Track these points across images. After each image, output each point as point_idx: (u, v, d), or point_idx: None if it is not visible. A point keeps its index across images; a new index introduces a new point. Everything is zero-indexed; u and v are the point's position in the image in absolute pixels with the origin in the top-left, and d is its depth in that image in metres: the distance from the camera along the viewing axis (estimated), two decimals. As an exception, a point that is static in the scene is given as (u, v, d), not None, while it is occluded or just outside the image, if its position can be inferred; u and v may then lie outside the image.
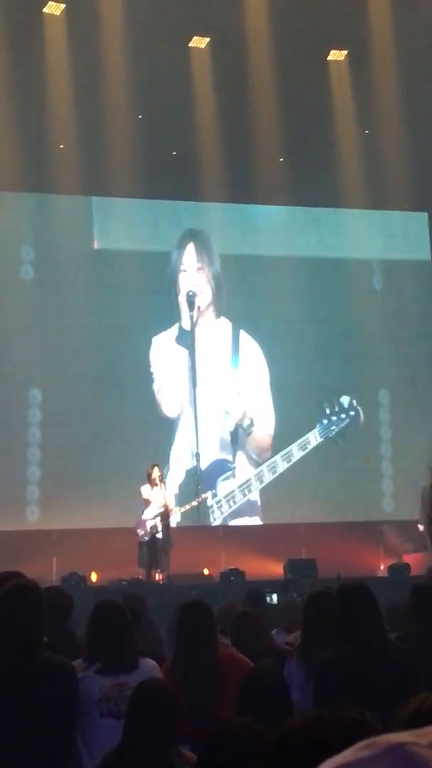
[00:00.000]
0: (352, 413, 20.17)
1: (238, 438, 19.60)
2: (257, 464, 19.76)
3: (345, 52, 20.08)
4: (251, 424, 19.68)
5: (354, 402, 20.18)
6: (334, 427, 20.05)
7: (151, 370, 19.55)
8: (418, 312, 21.15)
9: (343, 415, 20.12)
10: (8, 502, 18.66)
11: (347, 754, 0.86)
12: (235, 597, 10.78)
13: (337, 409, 20.10)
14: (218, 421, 19.52)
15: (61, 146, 18.99)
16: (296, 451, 19.83)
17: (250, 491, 19.59)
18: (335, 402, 20.12)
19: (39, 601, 4.82)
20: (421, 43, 19.01)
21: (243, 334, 20.16)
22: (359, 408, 20.21)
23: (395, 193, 20.45)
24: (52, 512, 18.55)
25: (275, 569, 16.43)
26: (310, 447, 19.89)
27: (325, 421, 20.04)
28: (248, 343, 20.15)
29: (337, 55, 20.13)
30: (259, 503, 19.62)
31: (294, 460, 19.76)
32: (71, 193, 19.51)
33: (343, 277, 20.94)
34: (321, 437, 20.00)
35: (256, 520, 19.62)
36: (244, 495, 19.53)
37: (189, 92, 19.37)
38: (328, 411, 20.04)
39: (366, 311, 20.80)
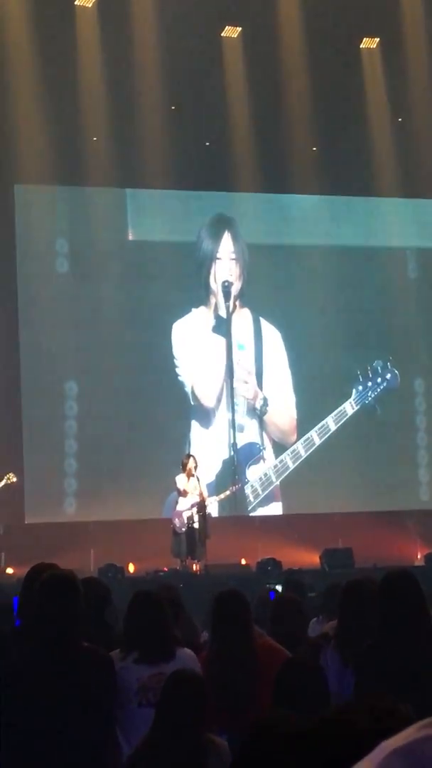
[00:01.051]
0: (388, 376, 19.87)
1: (260, 421, 19.55)
2: (282, 448, 19.69)
3: (377, 40, 20.00)
4: (265, 404, 19.57)
5: (389, 364, 19.97)
6: (370, 393, 19.83)
7: (175, 355, 19.46)
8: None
9: (379, 379, 19.83)
10: (46, 494, 18.75)
11: (411, 732, 0.88)
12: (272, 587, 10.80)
13: (371, 374, 19.93)
14: (241, 407, 19.48)
15: (95, 139, 19.00)
16: (332, 424, 19.68)
17: (285, 470, 19.49)
18: (368, 367, 19.97)
19: (76, 592, 4.84)
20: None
21: (263, 322, 20.06)
22: (395, 370, 20.01)
23: (429, 181, 20.35)
24: (89, 504, 18.62)
25: (311, 559, 16.43)
26: (346, 417, 19.70)
27: (360, 387, 19.83)
28: (269, 329, 20.06)
29: (369, 43, 20.05)
30: (289, 490, 19.52)
31: (330, 432, 19.62)
32: (105, 185, 19.53)
33: (376, 267, 20.85)
34: (357, 405, 19.80)
35: (281, 508, 19.55)
36: (279, 475, 19.47)
37: (221, 82, 19.36)
38: (361, 378, 19.87)
39: (400, 300, 20.71)
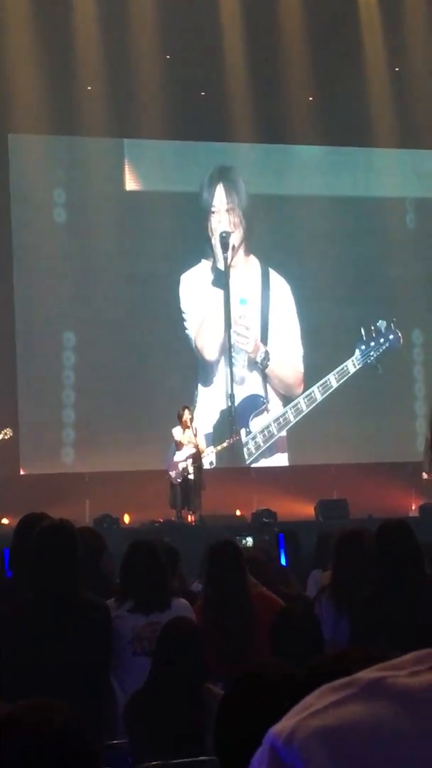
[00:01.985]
0: (391, 336, 19.96)
1: (262, 374, 19.59)
2: (288, 401, 19.74)
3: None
4: (266, 358, 19.59)
5: (392, 325, 20.01)
6: (372, 353, 19.89)
7: (182, 308, 19.48)
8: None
9: (381, 339, 19.93)
10: (43, 445, 18.78)
11: (325, 694, 0.86)
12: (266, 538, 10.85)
13: (374, 334, 19.96)
14: (242, 360, 19.52)
15: (89, 88, 18.88)
16: (334, 381, 19.74)
17: (286, 424, 19.57)
18: (372, 327, 19.98)
19: (73, 541, 4.86)
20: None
21: (272, 273, 20.06)
22: (398, 332, 20.04)
23: (427, 131, 20.25)
24: (86, 455, 18.66)
25: (307, 510, 16.51)
26: (348, 375, 19.79)
27: (363, 347, 19.89)
28: (277, 281, 20.05)
29: (367, -8, 19.87)
30: (289, 442, 19.59)
31: (331, 389, 19.68)
32: (101, 136, 19.41)
33: (375, 217, 20.76)
34: (359, 364, 19.85)
35: (286, 459, 19.63)
36: (280, 428, 19.53)
37: (217, 31, 19.17)
38: (365, 337, 19.91)
39: (399, 251, 20.66)
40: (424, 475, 17.43)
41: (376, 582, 5.37)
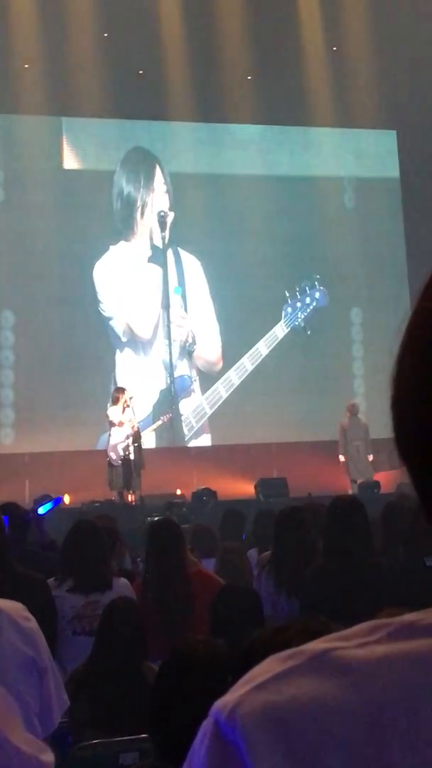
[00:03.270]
0: (317, 294, 20.01)
1: (189, 356, 19.60)
2: (210, 379, 19.77)
3: (312, -33, 19.82)
4: (193, 342, 19.60)
5: (317, 283, 20.10)
6: (300, 314, 19.95)
7: (108, 283, 19.42)
8: (388, 230, 21.12)
9: (307, 300, 20.00)
10: (-19, 425, 18.71)
11: (271, 666, 0.84)
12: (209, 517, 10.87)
13: (299, 295, 20.02)
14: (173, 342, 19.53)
15: (26, 66, 18.73)
16: (264, 349, 19.81)
17: (218, 400, 19.60)
18: (297, 288, 20.06)
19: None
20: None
21: (183, 252, 20.01)
22: (324, 288, 20.12)
23: (364, 111, 20.34)
24: (25, 435, 18.58)
25: (247, 489, 16.54)
26: (277, 341, 19.85)
27: (290, 309, 19.96)
28: (188, 259, 20.03)
29: (304, -30, 19.86)
30: (222, 421, 19.61)
31: (262, 357, 19.76)
32: (39, 114, 19.27)
33: (314, 196, 20.82)
34: (288, 327, 19.88)
35: (217, 440, 19.65)
36: (213, 406, 19.56)
37: (154, 10, 19.11)
38: (290, 300, 19.97)
39: (338, 230, 20.72)
40: (341, 458, 17.62)
41: (324, 556, 5.42)
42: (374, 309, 20.48)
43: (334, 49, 20.13)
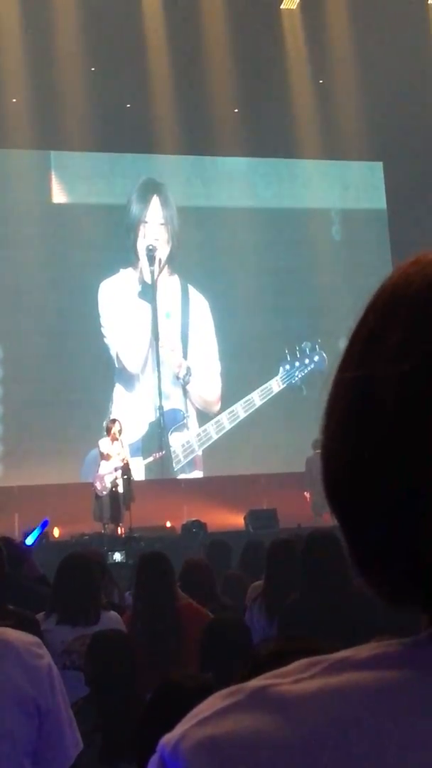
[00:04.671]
0: (316, 358, 20.13)
1: (183, 390, 19.64)
2: (205, 417, 19.81)
3: (297, 1, 19.93)
4: (188, 374, 19.65)
5: (317, 346, 20.17)
6: (297, 373, 20.03)
7: (101, 316, 19.47)
8: (375, 260, 21.19)
9: (306, 360, 20.09)
10: (-29, 459, 18.69)
11: (214, 702, 0.88)
12: (198, 550, 10.85)
13: (299, 354, 20.10)
14: (165, 374, 19.54)
15: (14, 100, 18.81)
16: (257, 400, 19.86)
17: (208, 440, 19.63)
18: (297, 347, 20.13)
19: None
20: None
21: (191, 289, 20.13)
22: (323, 353, 20.20)
23: (351, 143, 20.44)
24: (14, 468, 18.55)
25: (237, 520, 16.51)
26: (272, 394, 19.92)
27: (288, 367, 20.04)
28: (196, 297, 20.13)
29: (289, 4, 19.97)
30: (213, 454, 19.63)
31: (255, 407, 19.81)
32: (27, 148, 19.34)
33: (302, 228, 20.91)
34: (284, 384, 19.99)
35: (212, 470, 19.64)
36: (202, 445, 19.59)
37: (142, 44, 19.21)
38: (289, 357, 20.05)
39: (325, 261, 20.79)
40: (306, 495, 17.72)
41: (301, 589, 5.42)
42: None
43: (321, 82, 20.25)
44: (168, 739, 0.86)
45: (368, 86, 19.55)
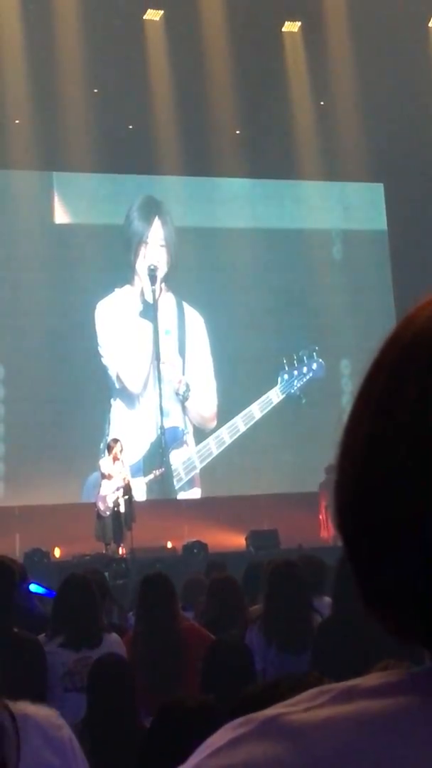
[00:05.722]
0: (314, 366, 20.10)
1: (182, 406, 19.65)
2: (202, 434, 19.80)
3: (299, 24, 20.02)
4: (187, 390, 19.66)
5: (315, 354, 20.17)
6: (296, 382, 20.01)
7: (98, 335, 19.49)
8: (376, 281, 21.23)
9: (305, 369, 20.06)
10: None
11: (226, 733, 0.89)
12: (199, 570, 10.84)
13: (296, 363, 20.09)
14: (166, 391, 19.54)
15: (17, 121, 18.87)
16: (257, 412, 19.85)
17: (209, 455, 19.62)
18: (294, 356, 20.11)
19: (10, 578, 4.83)
20: (374, 14, 18.97)
21: (186, 306, 20.15)
22: (321, 360, 20.20)
23: (352, 165, 20.48)
24: (15, 488, 18.54)
25: (238, 541, 16.49)
26: (271, 405, 19.91)
27: (286, 377, 20.02)
28: (192, 314, 20.15)
29: (291, 27, 20.06)
30: (211, 475, 19.62)
31: (255, 420, 19.80)
32: (30, 169, 19.39)
33: (303, 249, 20.95)
34: (283, 393, 19.96)
35: (207, 493, 19.62)
36: (203, 461, 19.58)
37: (144, 66, 19.29)
38: (287, 366, 20.03)
39: (326, 281, 20.82)
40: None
41: (334, 607, 5.54)
42: (363, 360, 20.32)
43: (322, 103, 20.32)
44: None
45: (369, 108, 19.61)
